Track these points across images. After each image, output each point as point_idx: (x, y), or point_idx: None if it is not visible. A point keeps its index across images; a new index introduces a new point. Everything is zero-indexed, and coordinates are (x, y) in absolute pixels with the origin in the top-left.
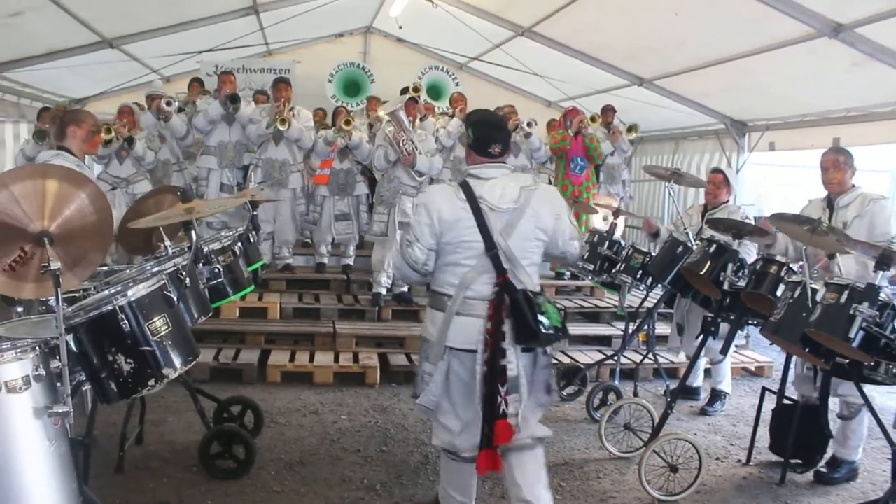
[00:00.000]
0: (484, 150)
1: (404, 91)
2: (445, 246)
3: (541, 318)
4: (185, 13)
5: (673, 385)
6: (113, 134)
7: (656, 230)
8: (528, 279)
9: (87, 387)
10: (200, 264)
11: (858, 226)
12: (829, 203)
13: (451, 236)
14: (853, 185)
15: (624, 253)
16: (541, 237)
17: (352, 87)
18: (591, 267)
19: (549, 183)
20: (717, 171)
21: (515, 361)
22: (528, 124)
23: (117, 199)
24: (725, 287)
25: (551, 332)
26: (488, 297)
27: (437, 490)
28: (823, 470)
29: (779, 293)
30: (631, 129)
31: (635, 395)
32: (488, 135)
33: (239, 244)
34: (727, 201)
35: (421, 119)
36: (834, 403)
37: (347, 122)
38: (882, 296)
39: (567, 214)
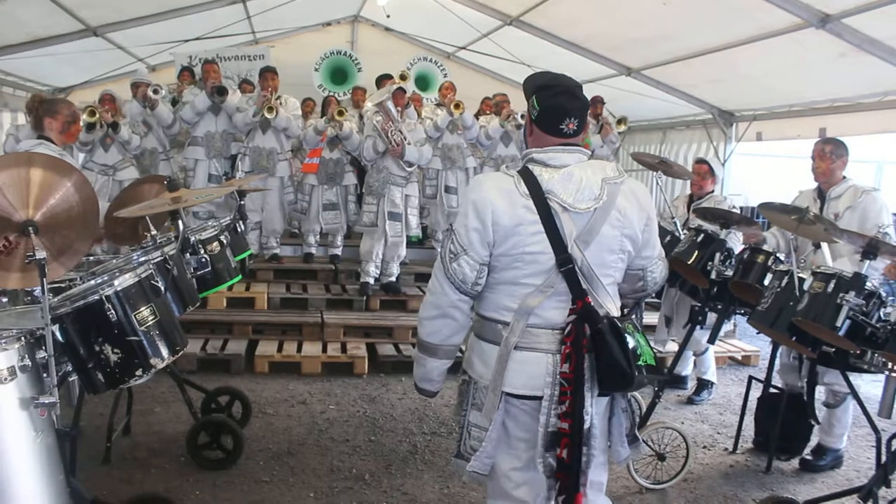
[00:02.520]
0: (554, 127)
1: (381, 79)
2: (501, 258)
3: (633, 356)
4: (172, 1)
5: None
6: (97, 116)
7: None
8: (610, 303)
9: (73, 377)
10: (187, 254)
11: (850, 217)
12: (821, 194)
13: (510, 246)
14: (844, 177)
15: None
16: (627, 248)
17: (338, 74)
18: None
19: None
20: (701, 161)
21: (591, 410)
22: (522, 116)
23: (103, 188)
24: (713, 276)
25: (646, 373)
26: (559, 326)
27: (423, 483)
28: (809, 457)
29: (766, 282)
30: (621, 121)
31: None
32: (561, 105)
33: (226, 234)
34: (713, 191)
35: (406, 107)
36: (819, 392)
37: (340, 113)
38: (868, 285)
39: (656, 223)
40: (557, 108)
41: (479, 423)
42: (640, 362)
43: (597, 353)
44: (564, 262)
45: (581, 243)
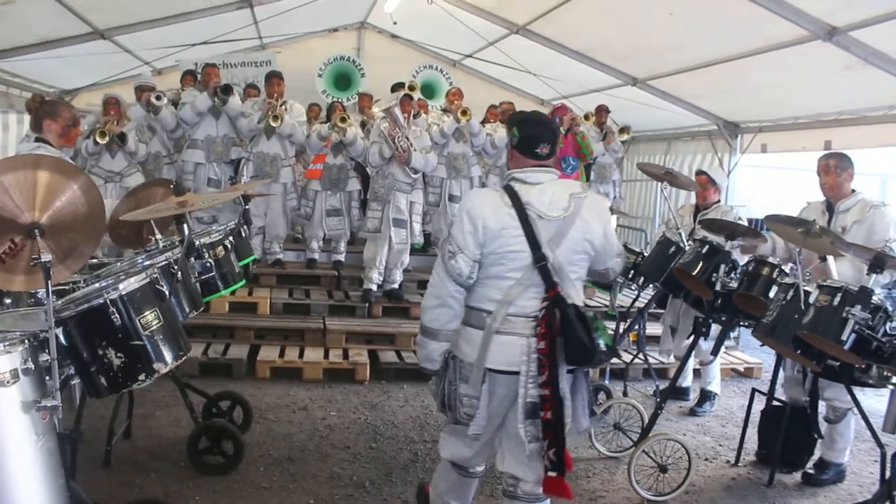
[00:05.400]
0: (530, 151)
1: (396, 87)
2: (489, 256)
3: (595, 335)
4: (179, 5)
5: (663, 385)
6: (107, 137)
7: None
8: (576, 294)
9: (76, 381)
10: (192, 258)
11: (857, 231)
12: (829, 207)
13: (496, 246)
14: (853, 191)
15: None
16: (588, 250)
17: (342, 80)
18: None
19: None
20: (700, 172)
21: (563, 384)
22: None
23: (109, 193)
24: (717, 288)
25: (604, 350)
26: (533, 314)
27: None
28: (811, 471)
29: (771, 295)
30: (623, 130)
31: (625, 394)
32: (536, 133)
33: (230, 238)
34: (718, 201)
35: (414, 116)
36: (820, 406)
37: (343, 120)
38: (874, 299)
39: (613, 228)
40: (534, 136)
41: (469, 393)
42: (599, 340)
43: (564, 332)
44: (539, 259)
45: (553, 244)
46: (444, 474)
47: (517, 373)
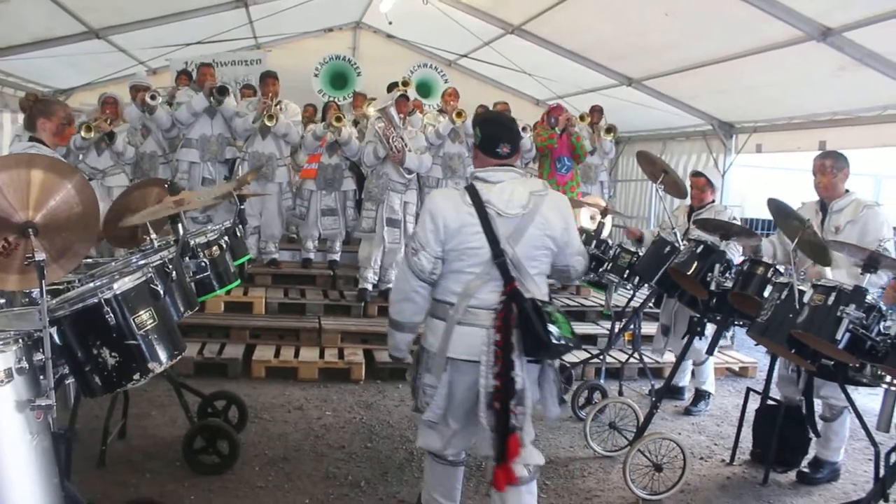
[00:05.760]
0: (492, 151)
1: (391, 87)
2: (450, 253)
3: (550, 328)
4: (174, 5)
5: (658, 384)
6: (93, 133)
7: (640, 236)
8: (536, 288)
9: (70, 380)
10: (187, 258)
11: (850, 231)
12: (823, 207)
13: (456, 243)
14: (847, 191)
15: (611, 252)
16: (549, 245)
17: (338, 79)
18: None
19: None
20: (697, 174)
21: (522, 374)
22: (523, 129)
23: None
24: (712, 287)
25: (561, 342)
26: (493, 307)
27: (419, 490)
28: (806, 470)
29: (766, 294)
30: (609, 130)
31: (620, 394)
32: (496, 134)
33: (225, 238)
34: (713, 201)
35: (409, 114)
36: (816, 405)
37: (338, 119)
38: (868, 298)
39: (575, 226)
40: (494, 136)
41: (430, 383)
42: (555, 331)
43: (521, 325)
44: (498, 254)
45: (512, 241)
46: (428, 468)
47: (479, 362)
